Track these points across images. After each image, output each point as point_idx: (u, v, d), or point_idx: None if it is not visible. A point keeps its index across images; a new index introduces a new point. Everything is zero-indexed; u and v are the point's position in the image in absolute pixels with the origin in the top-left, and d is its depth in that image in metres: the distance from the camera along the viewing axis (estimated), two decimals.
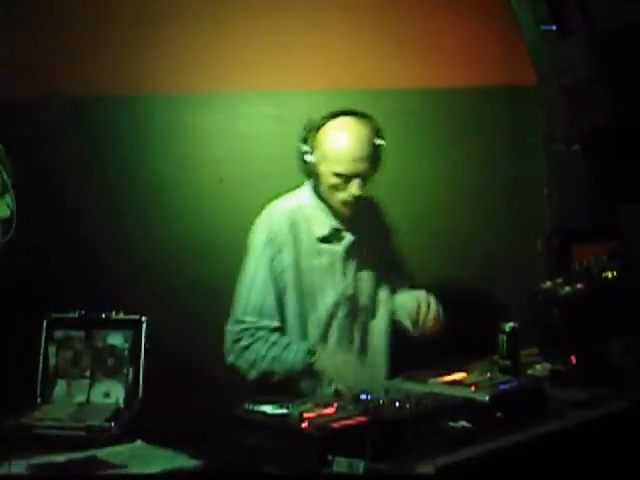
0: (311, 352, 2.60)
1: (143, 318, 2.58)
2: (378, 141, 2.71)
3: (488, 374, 2.37)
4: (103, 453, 2.10)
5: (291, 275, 2.70)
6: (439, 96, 3.79)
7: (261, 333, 2.64)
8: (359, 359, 2.75)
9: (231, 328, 2.69)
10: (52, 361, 2.56)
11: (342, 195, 2.67)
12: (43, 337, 2.58)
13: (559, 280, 2.76)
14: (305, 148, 2.69)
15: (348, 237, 2.78)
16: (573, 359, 2.58)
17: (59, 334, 2.59)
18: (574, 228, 3.12)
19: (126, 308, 2.63)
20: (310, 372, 2.61)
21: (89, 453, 2.09)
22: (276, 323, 2.67)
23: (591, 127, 2.79)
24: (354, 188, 2.64)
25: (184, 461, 2.04)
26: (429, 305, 2.71)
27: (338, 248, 2.76)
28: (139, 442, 2.22)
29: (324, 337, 2.74)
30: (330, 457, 1.78)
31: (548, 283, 2.77)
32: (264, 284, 2.67)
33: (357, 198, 2.67)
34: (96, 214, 3.63)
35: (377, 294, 2.87)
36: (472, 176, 3.80)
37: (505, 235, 3.78)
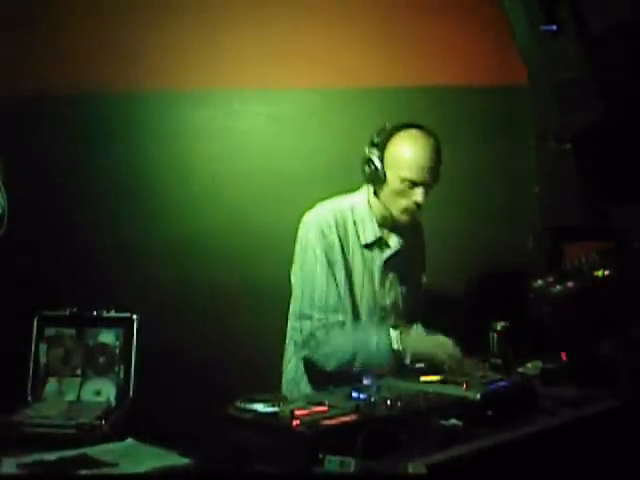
0: (396, 341, 2.63)
1: (134, 316, 2.57)
2: (439, 157, 2.78)
3: (479, 372, 2.38)
4: (94, 451, 2.09)
5: (341, 273, 2.74)
6: (431, 95, 3.79)
7: (335, 325, 2.68)
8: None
9: (302, 324, 2.71)
10: (43, 359, 2.55)
11: (405, 202, 2.74)
12: (34, 335, 2.57)
13: (550, 279, 2.77)
14: (376, 153, 2.75)
15: (391, 248, 2.85)
16: (564, 357, 2.59)
17: (50, 332, 2.58)
18: (565, 227, 3.12)
19: (117, 306, 2.62)
20: (397, 359, 2.62)
21: (80, 451, 2.08)
22: (342, 317, 2.71)
23: (583, 126, 2.80)
24: (418, 195, 2.72)
25: (175, 459, 2.04)
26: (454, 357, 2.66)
27: (379, 258, 2.82)
28: (130, 440, 2.21)
29: None
30: (321, 455, 1.78)
31: (539, 282, 2.78)
32: (325, 279, 2.71)
33: (418, 207, 2.74)
34: (88, 212, 3.63)
35: (400, 312, 2.91)
36: (464, 175, 3.80)
37: (497, 233, 3.78)
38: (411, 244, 2.94)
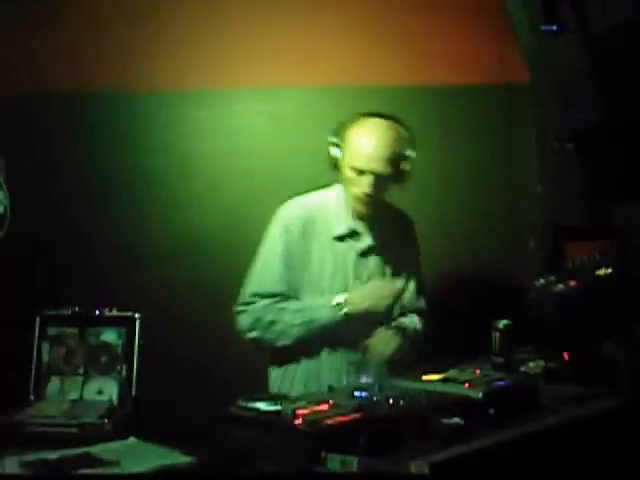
0: (338, 305, 2.66)
1: (137, 315, 2.58)
2: (407, 151, 2.73)
3: (481, 372, 2.38)
4: (96, 450, 2.10)
5: (301, 272, 2.72)
6: (432, 94, 3.79)
7: (282, 304, 2.69)
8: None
9: (246, 308, 2.71)
10: (45, 358, 2.56)
11: (355, 190, 2.69)
12: (36, 334, 2.57)
13: (552, 278, 2.77)
14: (333, 140, 2.73)
15: (365, 241, 2.79)
16: (566, 356, 2.59)
17: (52, 331, 2.59)
18: (567, 226, 3.12)
19: (120, 305, 2.62)
20: (346, 322, 2.66)
21: (82, 450, 2.08)
22: (291, 302, 2.71)
23: (585, 125, 2.79)
24: (365, 185, 2.66)
25: (177, 458, 2.04)
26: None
27: (353, 251, 2.78)
28: (132, 439, 2.22)
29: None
30: (323, 454, 1.78)
31: (541, 280, 2.78)
32: (277, 273, 2.71)
33: (368, 196, 2.68)
34: (89, 211, 3.63)
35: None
36: (466, 174, 3.81)
37: (499, 232, 3.78)
38: (396, 238, 2.87)
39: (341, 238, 2.77)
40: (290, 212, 2.77)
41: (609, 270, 2.66)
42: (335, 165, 2.74)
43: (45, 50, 3.58)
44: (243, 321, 2.72)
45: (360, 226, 2.79)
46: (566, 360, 2.58)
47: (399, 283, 2.78)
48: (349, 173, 2.68)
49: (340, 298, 2.68)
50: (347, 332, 2.70)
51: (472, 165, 3.80)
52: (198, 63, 3.69)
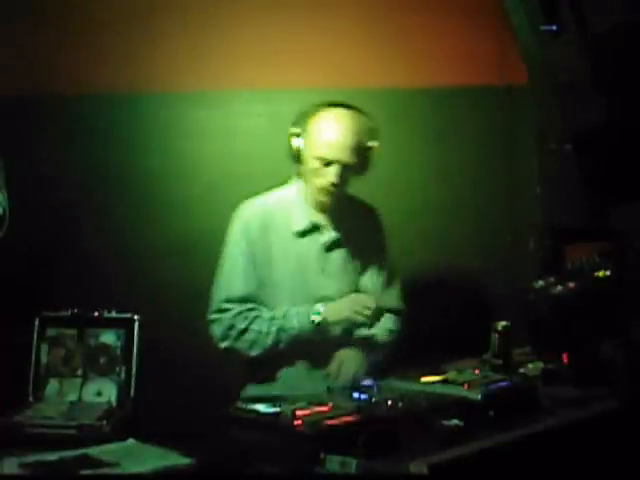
0: (314, 312, 2.64)
1: (135, 316, 2.58)
2: (369, 141, 2.72)
3: (480, 373, 2.38)
4: (95, 452, 2.09)
5: (264, 267, 2.71)
6: (431, 96, 3.80)
7: (254, 312, 2.67)
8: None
9: (219, 316, 2.70)
10: (44, 359, 2.55)
11: (320, 181, 2.67)
12: (35, 335, 2.57)
13: (551, 279, 2.77)
14: (294, 130, 2.71)
15: (329, 234, 2.77)
16: (565, 358, 2.58)
17: (51, 332, 2.58)
18: (566, 227, 3.12)
19: (118, 306, 2.62)
20: (319, 331, 2.65)
21: (81, 452, 2.08)
22: (261, 309, 2.70)
23: (584, 127, 2.79)
24: (332, 175, 2.64)
25: (176, 459, 2.04)
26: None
27: (317, 245, 2.76)
28: (131, 440, 2.21)
29: None
30: (322, 455, 1.78)
31: (540, 282, 2.78)
32: (244, 271, 2.70)
33: (334, 186, 2.66)
34: (89, 212, 3.63)
35: None
36: (465, 175, 3.81)
37: (498, 234, 3.79)
38: (361, 229, 2.85)
39: (303, 233, 2.75)
40: (248, 211, 2.76)
41: (608, 272, 2.66)
42: (297, 157, 2.72)
43: (44, 51, 3.58)
44: (216, 330, 2.71)
45: (322, 219, 2.77)
46: (565, 362, 2.58)
47: (378, 300, 2.74)
48: (313, 164, 2.66)
49: (315, 308, 2.67)
50: (322, 344, 2.69)
51: (471, 166, 3.80)
52: (197, 64, 3.69)
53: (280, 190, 2.84)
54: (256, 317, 2.67)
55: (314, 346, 2.69)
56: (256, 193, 3.49)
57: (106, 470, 1.97)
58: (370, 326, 2.72)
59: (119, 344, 2.56)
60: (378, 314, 2.70)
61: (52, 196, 3.58)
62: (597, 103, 2.68)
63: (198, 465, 2.00)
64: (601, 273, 2.69)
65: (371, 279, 2.85)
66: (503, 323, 2.56)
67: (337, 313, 2.67)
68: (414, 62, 3.77)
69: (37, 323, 2.58)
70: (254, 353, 2.68)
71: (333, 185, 2.66)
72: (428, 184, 3.77)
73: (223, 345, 2.70)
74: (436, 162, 3.79)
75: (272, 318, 2.67)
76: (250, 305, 2.69)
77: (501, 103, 3.82)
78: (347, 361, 2.70)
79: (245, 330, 2.66)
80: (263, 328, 2.65)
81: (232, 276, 2.71)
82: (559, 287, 2.71)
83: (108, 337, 2.57)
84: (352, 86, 3.71)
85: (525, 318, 2.79)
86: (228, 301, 2.69)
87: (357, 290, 2.82)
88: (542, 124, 3.33)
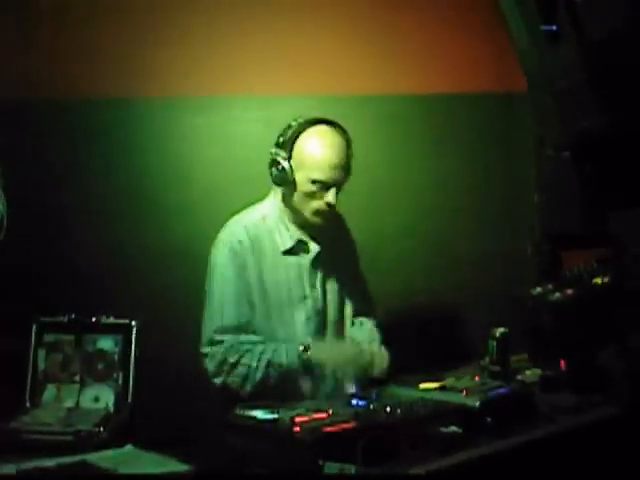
0: (305, 348, 2.58)
1: (133, 322, 2.57)
2: (350, 153, 2.69)
3: (478, 380, 2.38)
4: (92, 458, 2.09)
5: (257, 291, 2.66)
6: (429, 103, 3.80)
7: (246, 346, 2.60)
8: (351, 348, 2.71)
9: (212, 350, 2.63)
10: (41, 365, 2.54)
11: (317, 203, 2.64)
12: (32, 341, 2.56)
13: (549, 286, 2.77)
14: (282, 154, 2.64)
15: (314, 248, 2.75)
16: (563, 364, 2.59)
17: (49, 338, 2.57)
18: (564, 234, 3.12)
19: (116, 312, 2.62)
20: (307, 368, 2.59)
21: (78, 458, 2.08)
22: (255, 337, 2.63)
23: (582, 133, 2.80)
24: (330, 196, 2.62)
25: (174, 466, 2.04)
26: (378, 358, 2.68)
27: (304, 260, 2.74)
28: (129, 447, 2.21)
29: None
30: (321, 462, 1.78)
31: (538, 289, 2.78)
32: (236, 298, 2.63)
33: (331, 207, 2.64)
34: (86, 217, 3.63)
35: (344, 309, 2.85)
36: (463, 182, 3.81)
37: (495, 241, 3.79)
38: (336, 238, 2.84)
39: (290, 251, 2.72)
40: (233, 234, 2.70)
41: (606, 279, 2.66)
42: (283, 181, 2.65)
43: (42, 56, 3.59)
44: (209, 365, 2.64)
45: (304, 235, 2.74)
46: (563, 368, 2.58)
47: (366, 353, 2.65)
48: (308, 187, 2.62)
49: (305, 342, 2.61)
50: (312, 384, 2.64)
51: (469, 173, 3.81)
52: (195, 70, 3.70)
53: (259, 207, 2.80)
54: (247, 351, 2.59)
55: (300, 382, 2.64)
56: (253, 199, 3.50)
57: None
58: (356, 376, 2.64)
59: (117, 350, 2.55)
60: (367, 365, 2.62)
61: (49, 200, 3.58)
62: (595, 109, 2.69)
63: (196, 472, 1.99)
64: (599, 280, 2.69)
65: (348, 283, 2.85)
66: (501, 330, 2.56)
67: (322, 352, 2.60)
68: (413, 69, 3.78)
69: (34, 329, 2.58)
70: (247, 389, 2.59)
71: (331, 206, 2.64)
72: (426, 190, 3.78)
73: (217, 381, 2.63)
74: (434, 168, 3.79)
75: (262, 352, 2.59)
76: (243, 337, 2.61)
77: (501, 111, 3.82)
78: (378, 355, 2.67)
79: (236, 364, 2.58)
80: (253, 363, 2.57)
81: (223, 304, 2.64)
82: (557, 294, 2.71)
83: (105, 343, 2.56)
84: (349, 93, 3.72)
85: (523, 325, 2.79)
86: (221, 332, 2.62)
87: (342, 294, 2.82)
88: (540, 131, 3.34)
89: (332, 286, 2.80)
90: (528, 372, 2.63)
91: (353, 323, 2.88)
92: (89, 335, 2.57)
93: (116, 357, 2.54)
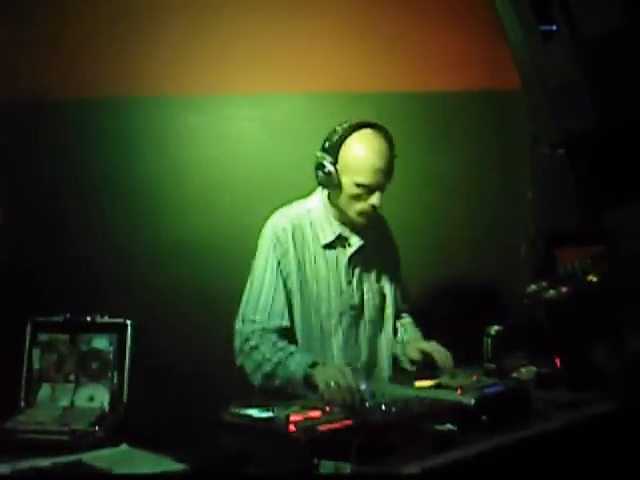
0: (313, 364, 2.57)
1: (128, 321, 2.57)
2: (392, 155, 2.74)
3: (474, 377, 2.38)
4: (88, 457, 2.09)
5: (295, 280, 2.71)
6: (424, 100, 3.80)
7: (269, 335, 2.65)
8: (359, 374, 2.66)
9: (241, 327, 2.69)
10: (36, 365, 2.54)
11: (361, 205, 2.70)
12: (27, 340, 2.56)
13: (544, 283, 2.77)
14: (328, 158, 2.69)
15: (354, 245, 2.80)
16: (558, 362, 2.59)
17: (43, 337, 2.57)
18: (559, 231, 3.13)
19: (111, 311, 2.61)
20: (307, 383, 2.57)
21: (74, 457, 2.07)
22: (286, 322, 2.68)
23: (576, 131, 2.80)
24: (375, 199, 2.68)
25: (169, 465, 2.03)
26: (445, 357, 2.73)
27: (343, 256, 2.79)
28: (124, 446, 2.21)
29: (328, 345, 2.74)
30: (316, 461, 1.78)
31: (533, 286, 2.78)
32: (273, 285, 2.69)
33: (374, 209, 2.70)
34: (81, 217, 3.62)
35: (384, 309, 2.88)
36: (458, 180, 3.81)
37: (490, 238, 3.79)
38: (377, 239, 2.90)
39: (330, 245, 2.78)
40: (279, 223, 2.76)
41: (600, 276, 2.67)
42: (329, 183, 2.72)
43: (41, 56, 3.58)
44: (236, 341, 2.71)
45: (346, 230, 2.80)
46: (558, 366, 2.59)
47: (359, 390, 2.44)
48: (353, 190, 2.68)
49: (315, 359, 2.59)
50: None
51: (464, 171, 3.81)
52: (190, 69, 3.69)
53: (307, 200, 2.86)
54: (267, 340, 2.64)
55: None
56: (249, 197, 3.51)
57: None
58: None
59: (111, 349, 2.54)
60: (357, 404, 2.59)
61: (46, 200, 3.57)
62: (589, 107, 2.69)
63: (191, 470, 1.99)
64: (593, 277, 2.70)
65: (389, 285, 2.90)
66: (496, 327, 2.56)
67: (320, 373, 2.51)
68: (408, 67, 3.78)
69: (29, 328, 2.57)
70: (258, 378, 2.64)
71: (376, 208, 2.70)
72: (420, 189, 3.78)
73: (238, 361, 2.69)
74: (429, 167, 3.79)
75: (280, 349, 2.63)
76: (275, 321, 2.66)
77: (495, 109, 3.83)
78: (440, 350, 2.74)
79: (255, 348, 2.64)
80: (267, 354, 2.62)
81: (262, 287, 2.70)
82: (552, 291, 2.72)
83: (100, 342, 2.56)
84: (344, 91, 3.72)
85: (518, 322, 2.80)
86: (254, 312, 2.69)
87: (382, 294, 2.87)
88: (534, 129, 3.34)
89: (370, 285, 2.85)
90: (523, 370, 2.63)
91: (402, 326, 2.96)
92: (84, 334, 2.57)
93: (111, 356, 2.54)
